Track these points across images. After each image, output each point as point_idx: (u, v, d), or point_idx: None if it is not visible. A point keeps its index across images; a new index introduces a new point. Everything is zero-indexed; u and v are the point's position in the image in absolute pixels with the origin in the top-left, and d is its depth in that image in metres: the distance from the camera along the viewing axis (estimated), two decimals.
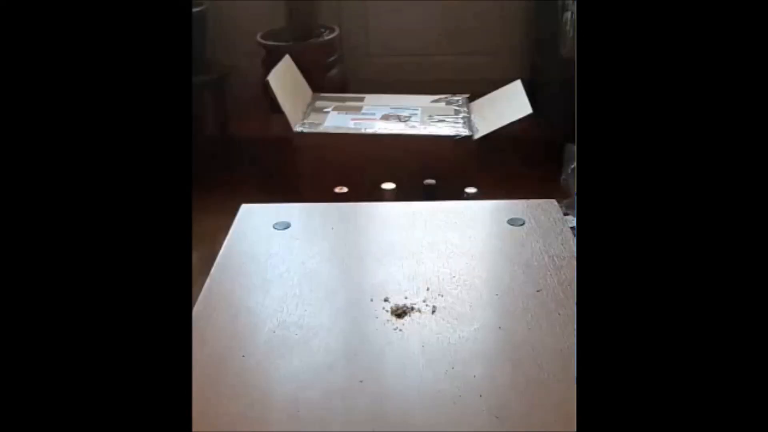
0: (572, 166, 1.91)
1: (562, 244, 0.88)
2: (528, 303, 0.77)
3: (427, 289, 0.80)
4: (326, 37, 2.54)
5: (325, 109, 2.10)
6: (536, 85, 2.46)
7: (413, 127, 2.00)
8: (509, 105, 2.00)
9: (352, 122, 2.02)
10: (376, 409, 0.63)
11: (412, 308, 0.77)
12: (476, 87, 2.24)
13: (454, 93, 2.21)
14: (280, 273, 0.84)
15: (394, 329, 0.74)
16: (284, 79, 2.04)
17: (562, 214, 0.96)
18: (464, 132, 1.95)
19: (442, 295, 0.79)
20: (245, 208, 1.00)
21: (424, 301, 0.78)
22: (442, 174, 1.64)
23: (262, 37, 2.50)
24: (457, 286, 0.81)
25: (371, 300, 0.79)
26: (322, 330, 0.74)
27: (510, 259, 0.86)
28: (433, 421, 0.62)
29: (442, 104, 2.16)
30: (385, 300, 0.79)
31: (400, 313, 0.76)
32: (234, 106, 2.64)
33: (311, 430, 0.61)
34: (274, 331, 0.74)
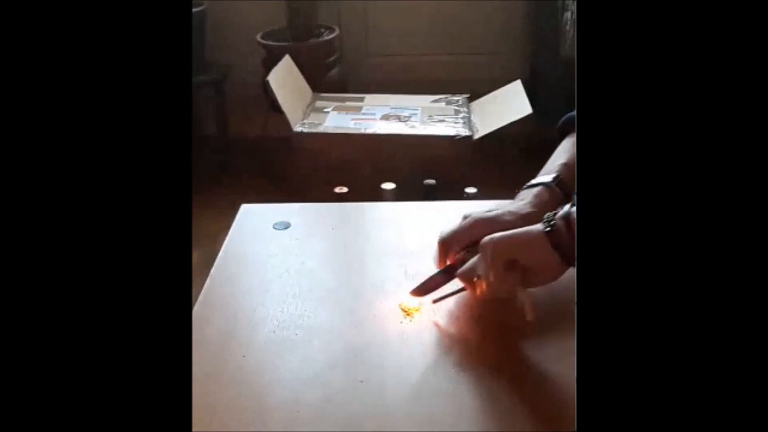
0: (538, 180, 1.91)
1: None
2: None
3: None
4: (326, 37, 2.54)
5: (325, 109, 2.10)
6: (536, 85, 2.46)
7: (413, 127, 2.00)
8: (509, 105, 2.00)
9: (352, 122, 2.02)
10: (376, 409, 0.63)
11: (412, 308, 0.77)
12: (476, 87, 2.24)
13: (454, 93, 2.21)
14: (280, 273, 0.84)
15: (394, 329, 0.74)
16: (284, 79, 2.04)
17: None
18: (464, 132, 1.95)
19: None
20: (245, 208, 1.00)
21: (423, 301, 0.78)
22: (442, 174, 1.64)
23: (262, 37, 2.50)
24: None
25: (371, 300, 0.79)
26: (322, 330, 0.74)
27: None
28: (433, 421, 0.62)
29: (442, 104, 2.16)
30: (385, 300, 0.79)
31: (400, 312, 0.76)
32: (234, 106, 2.64)
33: (311, 430, 0.61)
34: (274, 331, 0.74)
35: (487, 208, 0.80)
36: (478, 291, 0.73)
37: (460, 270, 0.75)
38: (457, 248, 0.77)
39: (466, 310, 0.77)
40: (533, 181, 0.83)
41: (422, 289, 0.77)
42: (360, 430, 0.61)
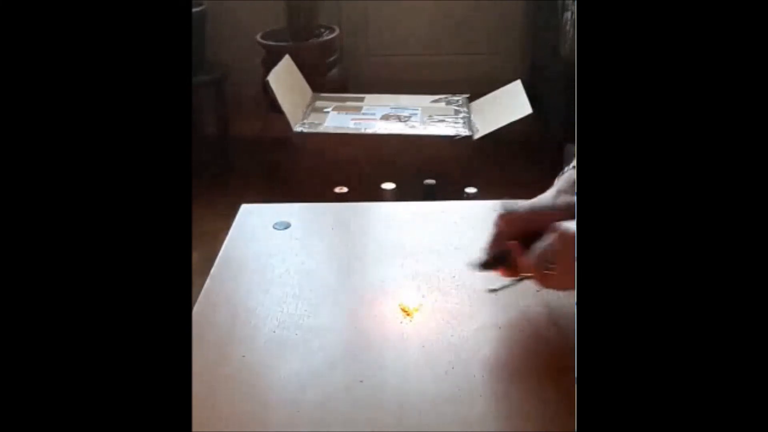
0: (572, 165, 1.91)
1: None
2: (528, 303, 0.77)
3: (427, 289, 0.80)
4: (326, 37, 2.54)
5: (325, 109, 2.10)
6: (536, 85, 2.46)
7: (413, 127, 2.00)
8: (509, 105, 2.00)
9: (352, 122, 2.02)
10: (376, 409, 0.63)
11: (412, 308, 0.77)
12: (476, 87, 2.25)
13: (454, 93, 2.21)
14: (280, 273, 0.84)
15: (394, 329, 0.74)
16: (284, 79, 2.04)
17: None
18: (464, 132, 1.95)
19: (442, 295, 0.79)
20: (245, 208, 1.00)
21: (423, 301, 0.78)
22: (442, 174, 1.64)
23: (262, 37, 2.51)
24: (457, 286, 0.81)
25: (371, 300, 0.79)
26: (322, 330, 0.74)
27: None
28: (433, 421, 0.62)
29: (442, 104, 2.16)
30: (385, 300, 0.79)
31: (400, 312, 0.76)
32: (234, 106, 2.64)
33: (311, 430, 0.61)
34: (274, 331, 0.74)
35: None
36: (553, 282, 0.70)
37: (528, 258, 0.71)
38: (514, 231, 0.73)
39: (466, 310, 0.77)
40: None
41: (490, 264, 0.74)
42: (360, 430, 0.61)
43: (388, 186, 1.45)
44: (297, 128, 1.97)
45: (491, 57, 2.79)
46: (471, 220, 0.96)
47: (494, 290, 0.76)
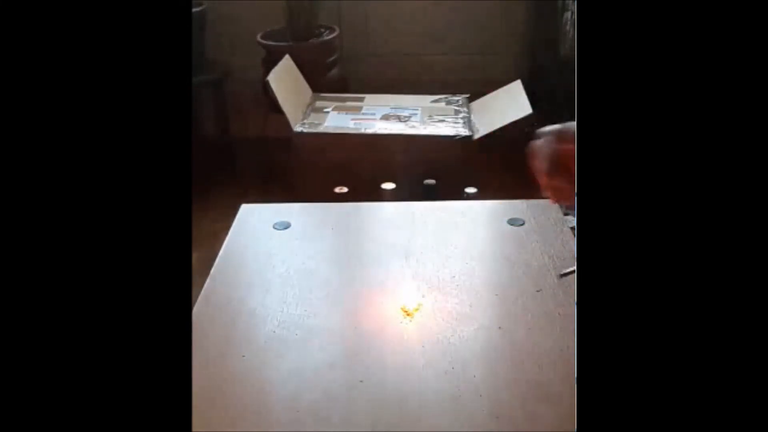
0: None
1: (562, 244, 0.88)
2: (528, 303, 0.77)
3: (427, 289, 0.80)
4: (326, 37, 2.54)
5: (325, 109, 2.10)
6: (536, 85, 2.46)
7: (413, 127, 2.00)
8: (509, 105, 2.00)
9: (352, 122, 2.02)
10: (376, 409, 0.63)
11: (412, 308, 0.77)
12: (476, 87, 2.24)
13: (454, 93, 2.21)
14: (280, 273, 0.84)
15: (394, 329, 0.74)
16: (284, 79, 2.04)
17: (562, 214, 0.96)
18: (464, 132, 1.95)
19: (442, 295, 0.79)
20: (245, 208, 1.00)
21: (423, 301, 0.78)
22: (442, 174, 1.64)
23: (262, 37, 2.50)
24: (457, 286, 0.81)
25: (371, 300, 0.79)
26: (322, 330, 0.74)
27: (510, 259, 0.86)
28: (432, 421, 0.62)
29: (442, 104, 2.16)
30: (385, 300, 0.79)
31: (400, 313, 0.76)
32: (234, 106, 2.64)
33: (311, 430, 0.61)
34: (274, 331, 0.74)
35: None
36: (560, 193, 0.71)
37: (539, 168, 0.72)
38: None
39: (466, 310, 0.77)
40: None
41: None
42: (360, 430, 0.61)
43: (388, 186, 1.44)
44: (297, 128, 1.97)
45: (491, 57, 2.79)
46: (471, 220, 0.97)
47: (564, 275, 0.76)
